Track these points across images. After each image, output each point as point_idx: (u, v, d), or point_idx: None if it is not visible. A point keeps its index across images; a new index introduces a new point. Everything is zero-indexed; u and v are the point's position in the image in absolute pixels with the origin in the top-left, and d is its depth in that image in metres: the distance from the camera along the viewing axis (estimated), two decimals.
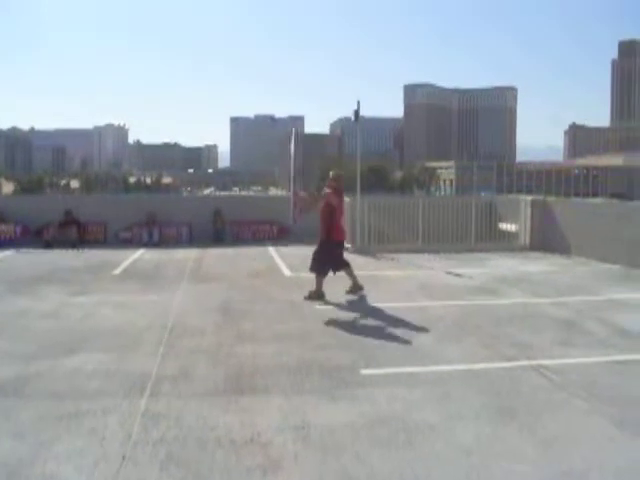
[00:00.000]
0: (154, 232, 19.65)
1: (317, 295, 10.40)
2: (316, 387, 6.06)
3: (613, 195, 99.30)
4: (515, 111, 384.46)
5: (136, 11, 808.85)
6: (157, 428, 5.03)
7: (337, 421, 5.18)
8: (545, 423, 5.23)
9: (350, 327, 8.50)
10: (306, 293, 10.48)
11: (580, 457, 4.60)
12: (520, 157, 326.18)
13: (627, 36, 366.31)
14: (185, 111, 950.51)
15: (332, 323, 8.72)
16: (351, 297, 10.61)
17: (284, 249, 17.51)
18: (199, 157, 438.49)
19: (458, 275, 12.81)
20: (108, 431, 4.97)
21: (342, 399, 5.71)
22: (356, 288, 10.86)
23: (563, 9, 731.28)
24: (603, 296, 10.79)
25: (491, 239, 17.85)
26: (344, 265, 10.99)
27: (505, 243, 17.82)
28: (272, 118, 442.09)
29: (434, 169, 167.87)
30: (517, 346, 7.54)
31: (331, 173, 11.54)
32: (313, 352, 7.24)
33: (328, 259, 10.73)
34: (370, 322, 8.83)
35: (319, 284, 10.51)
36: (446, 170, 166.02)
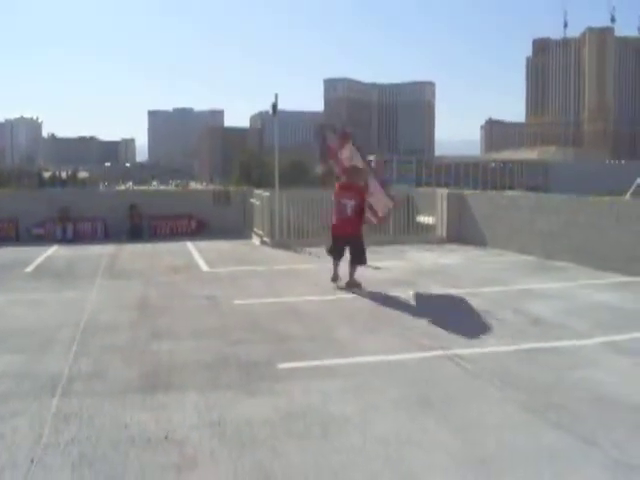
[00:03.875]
0: (68, 228, 19.18)
1: (356, 283, 10.77)
2: (233, 382, 6.01)
3: (529, 188, 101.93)
4: (434, 106, 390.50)
5: (52, 0, 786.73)
6: (69, 429, 4.89)
7: (254, 416, 5.15)
8: (460, 411, 5.32)
9: (268, 322, 8.45)
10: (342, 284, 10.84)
11: (494, 443, 4.69)
12: (439, 151, 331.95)
13: (541, 34, 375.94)
14: (102, 104, 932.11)
15: (250, 318, 8.66)
16: (273, 292, 10.59)
17: (202, 244, 17.35)
18: (116, 151, 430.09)
19: (376, 268, 12.92)
20: (17, 435, 4.81)
21: (259, 394, 5.68)
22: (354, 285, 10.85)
23: (481, 5, 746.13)
24: (517, 286, 11.05)
25: (409, 232, 18.09)
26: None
27: (423, 235, 18.08)
28: (191, 111, 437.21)
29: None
30: (432, 336, 7.65)
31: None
32: (231, 347, 7.18)
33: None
34: (288, 316, 8.80)
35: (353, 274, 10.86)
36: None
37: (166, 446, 4.61)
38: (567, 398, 5.61)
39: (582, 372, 6.37)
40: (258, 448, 4.57)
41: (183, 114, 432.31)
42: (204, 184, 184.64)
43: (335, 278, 10.99)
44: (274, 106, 17.37)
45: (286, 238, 16.92)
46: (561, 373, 6.32)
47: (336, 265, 11.05)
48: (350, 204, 10.75)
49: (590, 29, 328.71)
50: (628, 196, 15.48)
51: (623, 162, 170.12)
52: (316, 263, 13.84)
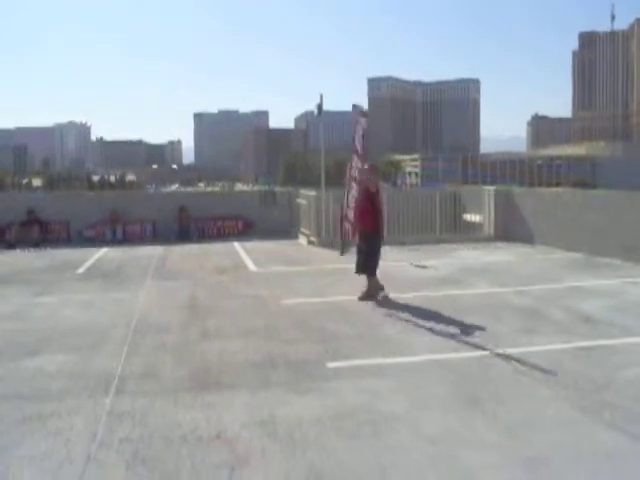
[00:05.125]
0: (118, 230, 19.52)
1: (375, 289, 9.92)
2: (282, 382, 6.04)
3: (576, 184, 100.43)
4: (479, 103, 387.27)
5: (98, 5, 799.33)
6: (122, 427, 4.98)
7: (304, 415, 5.18)
8: (511, 410, 5.28)
9: (315, 321, 8.48)
10: (360, 294, 9.88)
11: (544, 442, 4.65)
12: (484, 148, 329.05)
13: (587, 27, 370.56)
14: (148, 107, 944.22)
15: (298, 318, 8.69)
16: (320, 292, 10.60)
17: (249, 244, 17.46)
18: (163, 153, 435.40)
19: (423, 267, 12.88)
20: (73, 432, 4.91)
21: (308, 393, 5.70)
22: (370, 295, 9.90)
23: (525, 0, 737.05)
24: (566, 284, 10.92)
25: (456, 230, 17.98)
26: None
27: (470, 234, 17.95)
28: (236, 113, 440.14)
29: (399, 162, 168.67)
30: (483, 335, 7.60)
31: (366, 165, 11.21)
32: (279, 347, 7.22)
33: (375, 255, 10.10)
34: (335, 315, 8.82)
35: (374, 282, 10.00)
36: (411, 162, 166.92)
37: (218, 444, 4.66)
38: (620, 397, 5.53)
39: (635, 370, 6.28)
40: (309, 447, 4.59)
41: (228, 116, 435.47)
42: (250, 185, 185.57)
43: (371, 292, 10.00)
44: (319, 106, 17.43)
45: (332, 237, 16.92)
46: (613, 371, 6.23)
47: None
48: (360, 197, 10.52)
49: (639, 20, 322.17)
50: None
51: None
52: None
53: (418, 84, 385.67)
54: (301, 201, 18.98)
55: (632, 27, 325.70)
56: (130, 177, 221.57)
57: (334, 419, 5.09)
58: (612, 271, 12.11)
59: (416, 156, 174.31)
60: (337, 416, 5.15)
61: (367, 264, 10.00)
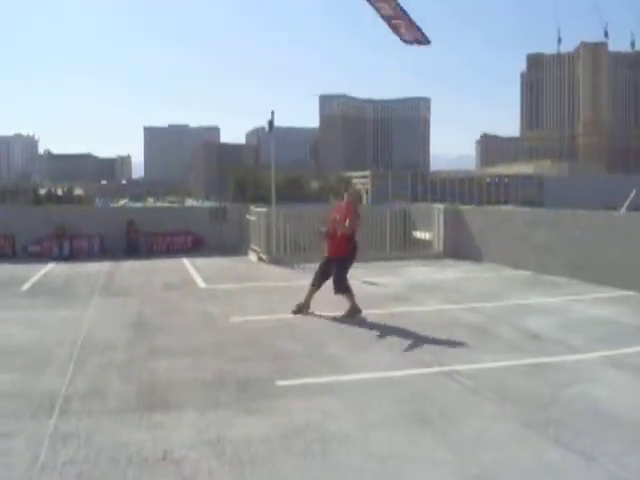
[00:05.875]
0: (64, 245, 19.14)
1: (355, 311, 9.86)
2: (231, 400, 5.99)
3: (523, 202, 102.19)
4: (429, 121, 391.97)
5: (42, 14, 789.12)
6: (66, 449, 4.87)
7: (253, 434, 5.13)
8: (459, 428, 5.32)
9: (265, 339, 8.44)
10: (344, 312, 9.85)
11: (491, 459, 4.69)
12: (434, 166, 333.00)
13: (535, 49, 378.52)
14: (98, 121, 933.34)
15: (248, 335, 8.65)
16: (270, 309, 10.56)
17: (199, 261, 17.32)
18: (112, 168, 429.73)
19: (373, 284, 12.92)
20: (13, 456, 4.78)
21: (258, 412, 5.66)
22: (354, 312, 9.90)
23: (475, 21, 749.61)
24: (514, 301, 11.07)
25: (406, 247, 18.11)
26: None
27: (419, 251, 18.09)
28: (186, 128, 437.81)
29: (350, 179, 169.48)
30: (431, 352, 7.64)
31: (347, 193, 11.12)
32: (229, 365, 7.16)
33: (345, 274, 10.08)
34: (285, 333, 8.79)
35: (352, 300, 9.94)
36: (361, 180, 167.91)
37: (164, 466, 4.59)
38: (566, 413, 5.62)
39: (580, 387, 6.38)
40: (257, 467, 4.55)
41: (179, 130, 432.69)
42: (200, 201, 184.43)
43: (300, 308, 10.09)
44: (270, 123, 17.42)
45: (283, 254, 16.92)
46: (559, 388, 6.33)
47: (311, 292, 10.18)
48: (337, 217, 10.33)
49: (584, 44, 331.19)
50: (623, 210, 15.47)
51: (618, 175, 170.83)
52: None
53: (369, 102, 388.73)
54: (251, 217, 18.92)
55: (578, 50, 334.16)
56: (78, 191, 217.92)
57: (283, 438, 5.06)
58: (558, 289, 12.32)
59: (367, 173, 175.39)
60: (286, 435, 5.12)
61: (338, 281, 9.96)
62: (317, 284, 10.19)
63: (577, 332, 8.72)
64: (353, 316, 9.77)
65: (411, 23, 11.58)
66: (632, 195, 17.73)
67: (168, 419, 5.50)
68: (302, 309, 10.05)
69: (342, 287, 9.97)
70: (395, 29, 11.58)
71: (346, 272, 10.15)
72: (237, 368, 7.03)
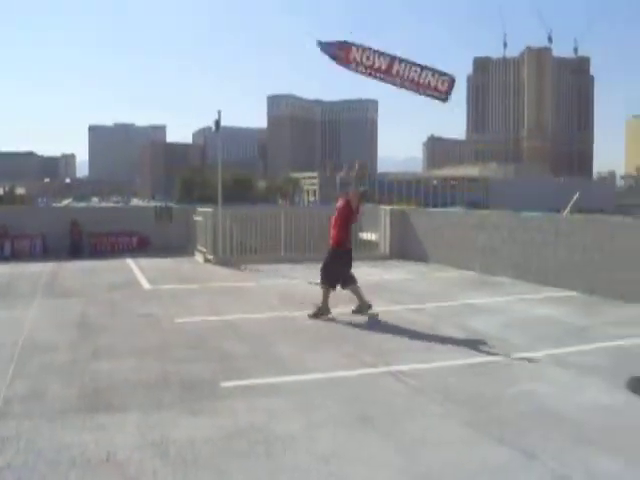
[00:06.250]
0: (5, 245, 18.74)
1: (324, 310, 9.81)
2: (175, 402, 5.94)
3: (469, 204, 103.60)
4: (376, 123, 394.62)
5: None
6: (5, 454, 4.76)
7: (197, 435, 5.10)
8: (403, 428, 5.36)
9: (210, 340, 8.39)
10: (310, 311, 9.86)
11: (435, 459, 4.73)
12: (381, 168, 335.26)
13: (481, 53, 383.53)
14: (42, 119, 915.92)
15: (193, 336, 8.59)
16: (215, 310, 10.50)
17: (144, 261, 17.13)
18: (56, 166, 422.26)
19: (319, 285, 12.94)
20: None
21: (202, 413, 5.63)
22: (364, 307, 10.03)
23: (422, 23, 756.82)
24: (459, 301, 11.23)
25: (353, 248, 18.14)
26: (353, 280, 10.21)
27: (366, 252, 18.18)
28: (132, 127, 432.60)
29: (298, 179, 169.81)
30: (377, 353, 7.69)
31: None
32: (173, 366, 7.10)
33: (341, 269, 10.11)
34: (231, 334, 8.76)
35: (325, 298, 9.90)
36: (309, 180, 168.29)
37: (107, 468, 4.53)
38: (509, 412, 5.71)
39: (523, 386, 6.49)
40: (201, 468, 4.53)
41: (124, 129, 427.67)
42: (146, 200, 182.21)
43: (320, 312, 9.83)
44: (217, 122, 17.32)
45: (229, 255, 16.84)
46: (502, 387, 6.43)
47: (326, 295, 9.98)
48: (338, 207, 10.49)
49: (529, 49, 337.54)
50: (566, 212, 15.81)
51: (562, 179, 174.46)
52: (259, 280, 13.84)
53: (318, 103, 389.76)
54: (198, 218, 18.79)
55: (523, 55, 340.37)
56: (20, 190, 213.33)
57: (227, 439, 5.04)
58: (503, 289, 12.53)
59: (315, 174, 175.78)
60: (230, 436, 5.10)
61: (326, 272, 10.14)
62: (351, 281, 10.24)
63: (521, 331, 8.88)
64: (363, 312, 9.91)
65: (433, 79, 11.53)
66: (575, 198, 18.12)
67: (111, 420, 5.43)
68: (321, 313, 9.85)
69: (331, 282, 10.09)
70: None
71: (342, 267, 10.22)
72: (181, 369, 6.98)
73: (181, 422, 5.41)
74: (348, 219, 10.33)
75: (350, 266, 10.28)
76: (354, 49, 11.74)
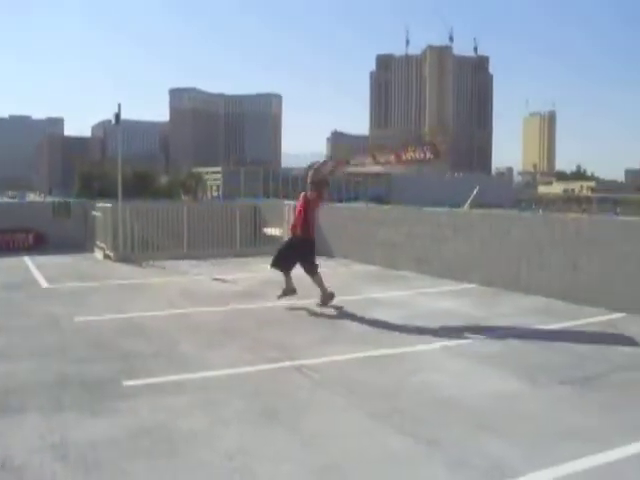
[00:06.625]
0: None
1: (289, 291, 10.46)
2: (76, 403, 5.80)
3: (372, 199, 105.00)
4: (280, 118, 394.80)
5: None
6: None
7: (98, 436, 5.00)
8: (307, 421, 5.41)
9: (112, 338, 8.23)
10: (279, 292, 10.49)
11: (338, 450, 4.80)
12: (285, 163, 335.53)
13: (384, 50, 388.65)
14: None
15: (93, 335, 8.41)
16: (117, 308, 10.31)
17: (41, 259, 16.61)
18: None
19: (223, 280, 12.91)
20: None
21: (104, 413, 5.52)
22: (327, 298, 10.41)
23: (328, 19, 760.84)
24: (362, 295, 11.41)
25: (256, 244, 18.19)
26: (316, 270, 10.63)
27: (270, 247, 18.15)
28: (28, 119, 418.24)
29: (201, 174, 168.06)
30: (280, 348, 7.73)
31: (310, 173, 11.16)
32: (73, 366, 6.94)
33: (306, 257, 10.55)
34: (133, 332, 8.62)
35: (288, 279, 10.50)
36: (213, 175, 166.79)
37: (3, 474, 4.38)
38: (410, 402, 5.85)
39: (423, 376, 6.66)
40: (104, 470, 4.45)
41: (20, 122, 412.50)
42: (42, 196, 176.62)
43: (286, 292, 10.52)
44: (117, 115, 16.95)
45: (130, 252, 16.54)
46: (404, 378, 6.59)
47: (287, 277, 10.59)
48: (298, 204, 10.77)
49: (430, 47, 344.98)
50: (466, 207, 16.27)
51: (462, 175, 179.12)
52: (161, 277, 13.68)
53: (221, 96, 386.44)
54: (97, 213, 18.35)
55: (425, 52, 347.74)
56: None
57: (130, 439, 4.97)
58: (405, 283, 12.79)
59: (218, 169, 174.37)
60: (133, 436, 5.03)
61: (310, 262, 10.56)
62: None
63: (422, 324, 9.09)
64: (327, 303, 10.30)
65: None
66: (475, 193, 18.70)
67: (8, 424, 5.27)
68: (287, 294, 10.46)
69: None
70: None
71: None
72: (82, 369, 6.83)
73: (82, 423, 5.30)
74: (309, 209, 10.62)
75: (314, 255, 10.77)
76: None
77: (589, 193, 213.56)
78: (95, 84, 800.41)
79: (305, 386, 6.38)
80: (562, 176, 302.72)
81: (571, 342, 8.14)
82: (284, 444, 4.94)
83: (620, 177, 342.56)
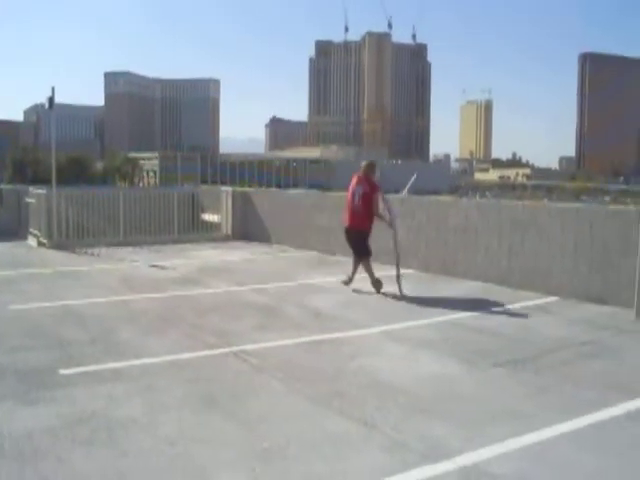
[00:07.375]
0: None
1: (379, 283, 10.49)
2: (10, 393, 5.70)
3: (311, 185, 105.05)
4: (218, 103, 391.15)
5: None
6: None
7: (35, 426, 4.93)
8: (247, 406, 5.44)
9: (48, 327, 8.10)
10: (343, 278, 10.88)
11: (279, 434, 4.84)
12: (224, 148, 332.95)
13: (324, 36, 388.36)
14: None
15: (28, 324, 8.26)
16: (53, 296, 10.14)
17: None
18: None
19: (161, 267, 12.80)
20: None
21: (40, 402, 5.44)
22: (377, 284, 10.52)
23: (269, 4, 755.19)
24: (299, 281, 11.46)
25: (194, 230, 18.08)
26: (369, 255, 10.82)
27: (208, 234, 18.12)
28: None
29: (137, 160, 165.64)
30: (219, 334, 7.73)
31: (363, 162, 11.35)
32: (7, 356, 6.82)
33: (364, 241, 10.77)
34: (70, 320, 8.50)
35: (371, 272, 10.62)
36: (149, 161, 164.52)
37: None
38: (348, 386, 5.93)
39: (361, 360, 6.75)
40: (41, 459, 4.39)
41: None
42: None
43: (348, 281, 10.83)
44: (50, 99, 16.57)
45: (65, 239, 16.25)
46: (342, 362, 6.66)
47: (355, 263, 10.89)
48: (359, 192, 10.67)
49: (369, 34, 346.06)
50: (404, 193, 16.40)
51: (400, 161, 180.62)
52: (98, 264, 13.47)
53: (157, 81, 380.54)
54: (30, 200, 17.96)
55: (364, 39, 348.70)
56: None
57: (68, 428, 4.91)
58: (341, 268, 12.79)
59: (155, 154, 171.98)
60: (71, 424, 4.98)
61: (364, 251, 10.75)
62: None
63: (359, 309, 9.22)
64: (378, 289, 10.41)
65: None
66: (413, 179, 18.85)
67: None
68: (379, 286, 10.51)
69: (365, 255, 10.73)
70: None
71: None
72: (17, 358, 6.71)
73: (17, 414, 5.21)
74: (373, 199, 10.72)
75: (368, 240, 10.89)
76: None
77: (524, 180, 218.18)
78: (28, 66, 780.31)
79: (245, 371, 6.40)
80: (498, 163, 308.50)
81: (505, 326, 8.34)
82: (225, 429, 4.96)
83: (554, 165, 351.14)
